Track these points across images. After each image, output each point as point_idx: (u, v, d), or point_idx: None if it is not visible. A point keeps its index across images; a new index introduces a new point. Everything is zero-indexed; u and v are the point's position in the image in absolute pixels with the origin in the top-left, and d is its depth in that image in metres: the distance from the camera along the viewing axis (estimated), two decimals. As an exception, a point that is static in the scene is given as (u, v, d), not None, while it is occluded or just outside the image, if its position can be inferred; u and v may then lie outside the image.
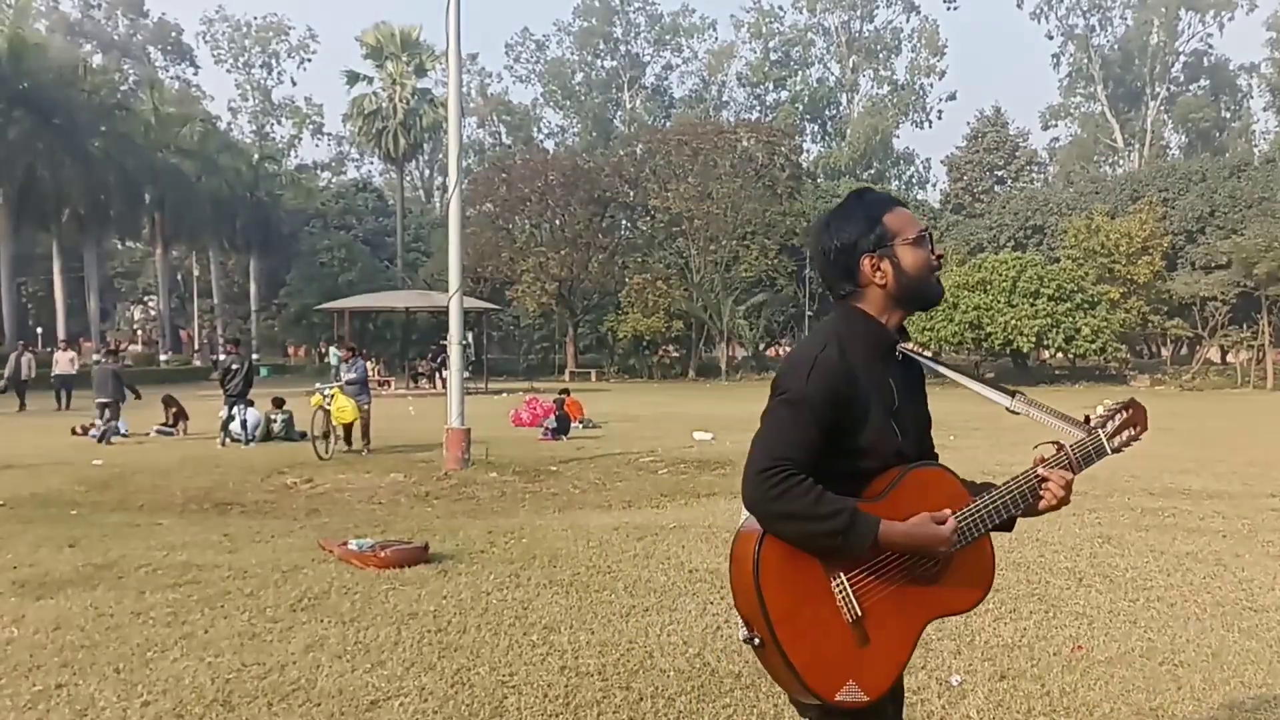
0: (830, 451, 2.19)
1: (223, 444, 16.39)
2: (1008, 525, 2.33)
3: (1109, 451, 2.32)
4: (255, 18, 79.72)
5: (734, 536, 2.25)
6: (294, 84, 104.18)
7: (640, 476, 12.70)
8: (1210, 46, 73.47)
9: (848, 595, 2.16)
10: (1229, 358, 46.71)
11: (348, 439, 15.64)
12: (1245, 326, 42.74)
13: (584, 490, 11.55)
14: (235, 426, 16.75)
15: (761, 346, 53.93)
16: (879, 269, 2.30)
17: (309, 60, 78.83)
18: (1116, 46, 72.70)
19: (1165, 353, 50.94)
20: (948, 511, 2.20)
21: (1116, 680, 4.66)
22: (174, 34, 74.90)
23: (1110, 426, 2.32)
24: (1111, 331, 40.72)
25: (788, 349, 54.54)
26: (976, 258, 45.94)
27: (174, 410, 19.16)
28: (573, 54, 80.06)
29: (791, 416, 2.18)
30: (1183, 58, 72.38)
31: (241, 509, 10.20)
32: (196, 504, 10.43)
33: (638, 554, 7.61)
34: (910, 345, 2.38)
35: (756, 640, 2.15)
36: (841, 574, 2.16)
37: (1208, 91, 73.12)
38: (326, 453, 14.63)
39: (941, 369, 2.43)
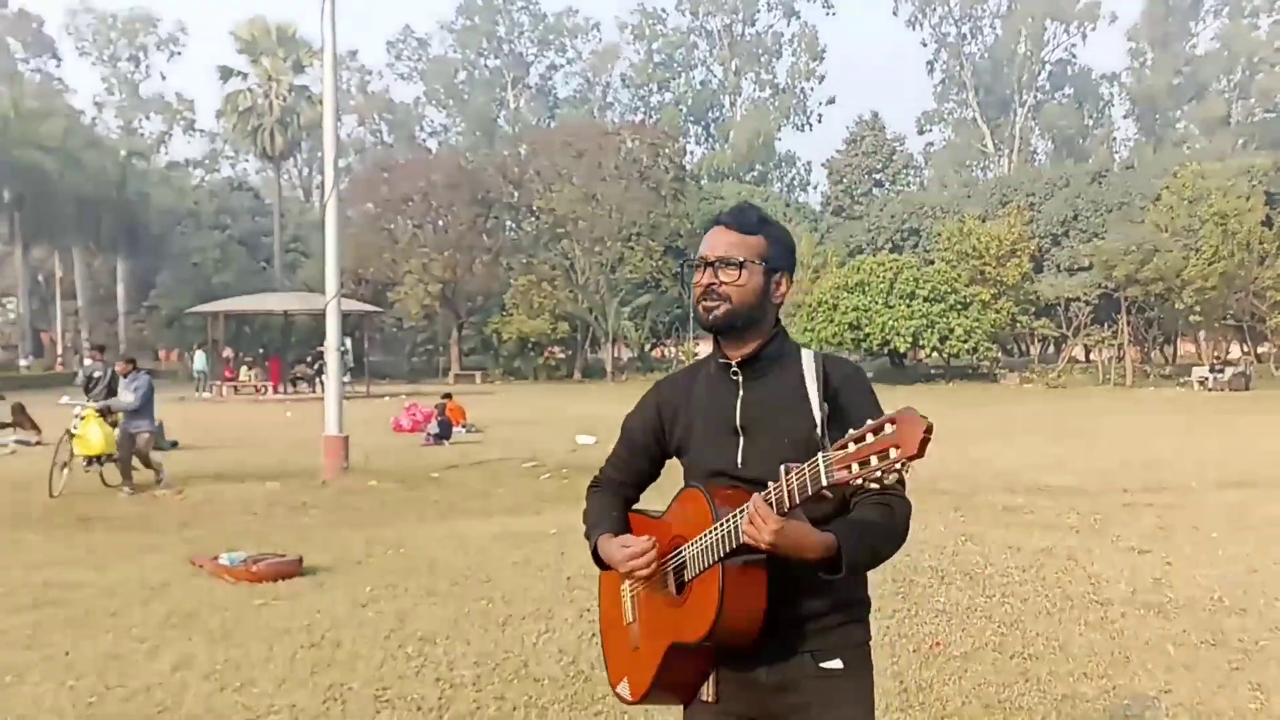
0: (682, 469, 2.32)
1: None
2: (843, 565, 2.01)
3: (824, 480, 1.84)
4: (122, 9, 76.54)
5: None
6: (163, 78, 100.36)
7: (522, 482, 12.71)
8: (1074, 56, 76.70)
9: (629, 599, 2.30)
10: (1092, 355, 48.84)
11: (145, 465, 12.16)
12: (1106, 325, 44.74)
13: (465, 497, 11.51)
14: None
15: (647, 347, 54.29)
16: None
17: (179, 54, 76.03)
18: (986, 55, 75.32)
19: (1034, 351, 52.96)
20: (645, 539, 2.18)
21: (969, 674, 4.89)
22: (35, 25, 71.48)
23: (850, 449, 1.81)
24: (983, 331, 42.26)
25: (671, 349, 55.38)
26: (855, 260, 47.09)
27: (17, 421, 18.57)
28: (455, 52, 79.27)
29: (620, 435, 2.48)
30: (1048, 67, 75.37)
31: (108, 524, 9.88)
32: (61, 518, 10.06)
33: (518, 562, 7.65)
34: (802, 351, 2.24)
35: None
36: (629, 579, 2.30)
37: (1072, 100, 76.27)
38: (57, 490, 11.43)
39: (810, 385, 2.17)
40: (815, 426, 2.14)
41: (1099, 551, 7.82)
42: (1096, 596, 6.41)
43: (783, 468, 1.94)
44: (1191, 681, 4.79)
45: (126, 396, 12.08)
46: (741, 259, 2.21)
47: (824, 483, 1.84)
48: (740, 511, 1.98)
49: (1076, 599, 6.35)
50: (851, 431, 1.83)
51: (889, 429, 1.77)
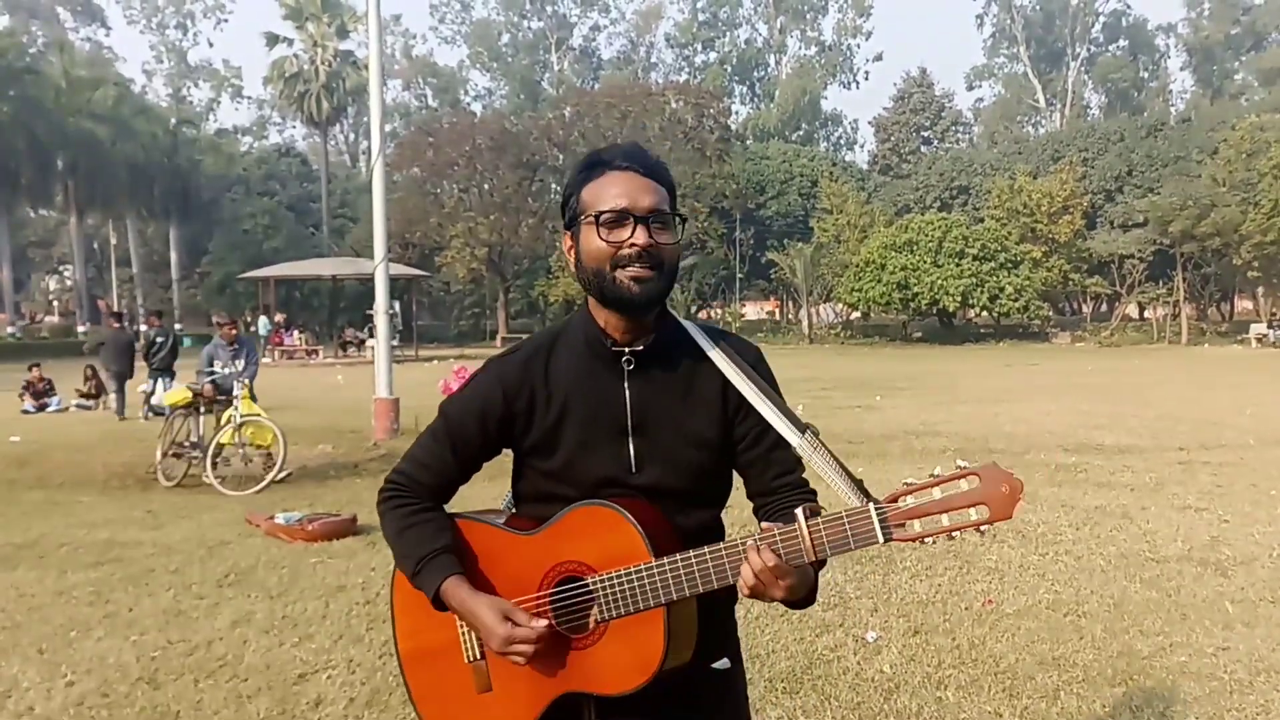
0: (531, 471, 1.87)
1: (146, 418, 16.12)
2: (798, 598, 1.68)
3: (880, 539, 1.56)
4: (168, -24, 77.24)
5: None
6: (210, 45, 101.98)
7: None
8: (1129, 7, 75.50)
9: (467, 631, 1.82)
10: (1146, 314, 48.04)
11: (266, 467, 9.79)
12: (1161, 283, 43.96)
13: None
14: (158, 399, 16.46)
15: (693, 309, 54.20)
16: (572, 252, 1.80)
17: (225, 21, 77.34)
18: (1038, 7, 73.73)
19: (1086, 310, 52.19)
20: (540, 622, 1.72)
21: (1023, 632, 4.86)
22: (84, -6, 72.43)
23: (909, 503, 1.56)
24: (1034, 290, 41.76)
25: (718, 311, 55.27)
26: (904, 218, 46.58)
27: (93, 383, 18.86)
28: (499, 15, 79.11)
29: (431, 429, 1.92)
30: (1102, 18, 73.72)
31: (166, 484, 10.07)
32: (119, 480, 10.27)
33: (566, 520, 7.68)
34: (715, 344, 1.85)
35: None
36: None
37: (1126, 52, 74.52)
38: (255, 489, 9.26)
39: (738, 381, 1.81)
40: (723, 421, 1.82)
41: (1154, 509, 7.72)
42: (1152, 554, 6.34)
43: (799, 512, 1.61)
44: (1250, 638, 4.73)
45: (238, 365, 10.41)
46: (671, 213, 1.78)
47: (879, 541, 1.56)
48: (709, 555, 1.65)
49: (1131, 556, 6.27)
50: (910, 481, 1.57)
51: (966, 484, 1.54)
